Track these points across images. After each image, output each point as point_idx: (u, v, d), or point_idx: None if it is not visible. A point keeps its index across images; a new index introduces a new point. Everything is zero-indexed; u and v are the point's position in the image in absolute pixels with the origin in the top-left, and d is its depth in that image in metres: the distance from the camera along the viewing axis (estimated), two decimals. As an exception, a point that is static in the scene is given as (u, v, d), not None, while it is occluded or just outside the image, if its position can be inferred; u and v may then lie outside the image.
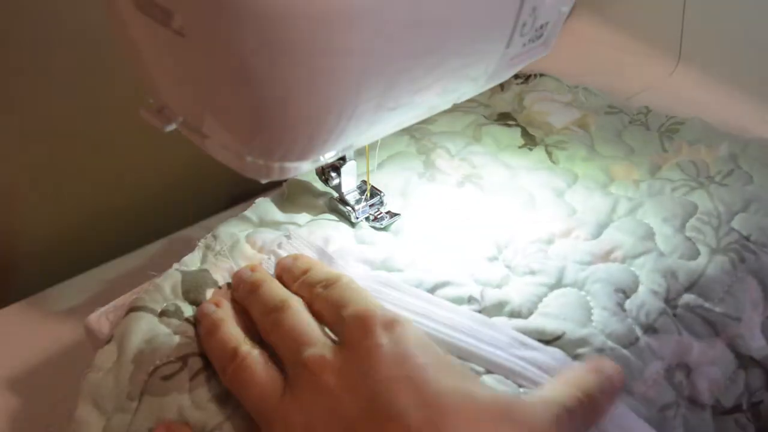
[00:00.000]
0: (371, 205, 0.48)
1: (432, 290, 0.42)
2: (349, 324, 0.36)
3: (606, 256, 0.44)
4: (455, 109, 0.57)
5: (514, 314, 0.40)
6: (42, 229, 0.57)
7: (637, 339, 0.38)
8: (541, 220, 0.47)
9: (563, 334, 0.38)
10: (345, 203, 0.47)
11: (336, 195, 0.48)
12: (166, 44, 0.33)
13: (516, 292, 0.42)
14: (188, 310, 0.41)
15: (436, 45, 0.35)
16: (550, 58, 0.43)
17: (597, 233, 0.46)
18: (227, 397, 0.37)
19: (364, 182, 0.48)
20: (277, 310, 0.38)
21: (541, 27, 0.40)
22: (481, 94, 0.58)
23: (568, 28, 0.44)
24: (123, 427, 0.37)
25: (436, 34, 0.35)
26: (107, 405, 0.38)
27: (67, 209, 0.57)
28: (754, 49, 0.59)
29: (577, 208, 0.49)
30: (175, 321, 0.40)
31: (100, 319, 0.42)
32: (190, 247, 0.45)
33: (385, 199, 0.48)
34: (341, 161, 0.46)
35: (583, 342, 0.38)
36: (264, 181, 0.38)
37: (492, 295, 0.41)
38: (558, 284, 0.42)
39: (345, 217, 0.48)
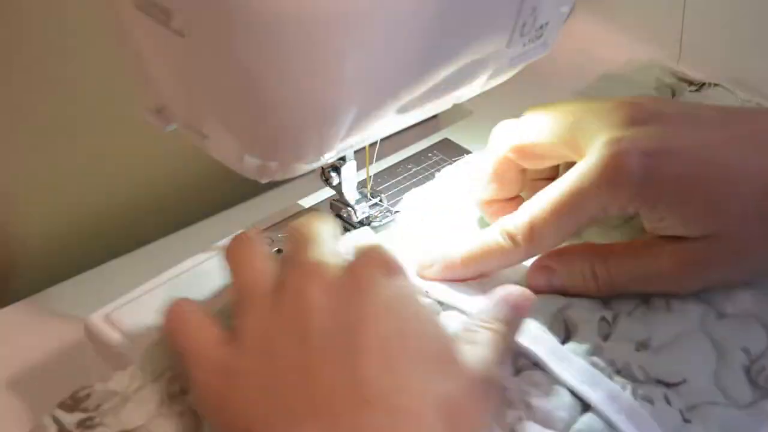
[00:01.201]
0: (372, 206, 0.48)
1: None
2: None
3: None
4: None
5: None
6: (42, 229, 0.57)
7: (754, 401, 0.37)
8: None
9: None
10: (345, 203, 0.47)
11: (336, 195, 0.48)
12: (166, 44, 0.34)
13: None
14: None
15: (435, 46, 0.35)
16: (550, 58, 0.43)
17: None
18: None
19: (365, 183, 0.48)
20: None
21: (541, 27, 0.40)
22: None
23: (568, 28, 0.44)
24: None
25: (435, 34, 0.35)
26: None
27: (67, 209, 0.57)
28: (755, 48, 0.59)
29: None
30: None
31: (100, 319, 0.42)
32: (189, 247, 0.45)
33: (385, 200, 0.48)
34: (341, 161, 0.46)
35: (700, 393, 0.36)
36: (264, 181, 0.38)
37: None
38: None
39: (344, 218, 0.48)
